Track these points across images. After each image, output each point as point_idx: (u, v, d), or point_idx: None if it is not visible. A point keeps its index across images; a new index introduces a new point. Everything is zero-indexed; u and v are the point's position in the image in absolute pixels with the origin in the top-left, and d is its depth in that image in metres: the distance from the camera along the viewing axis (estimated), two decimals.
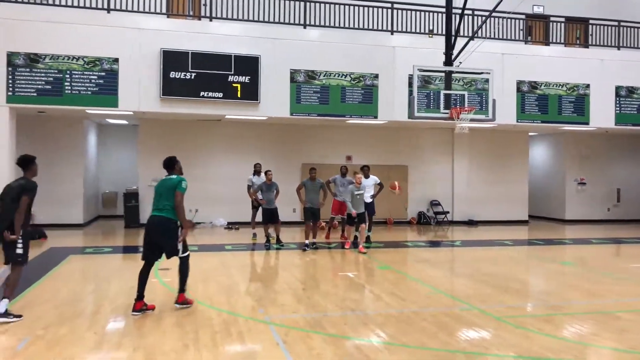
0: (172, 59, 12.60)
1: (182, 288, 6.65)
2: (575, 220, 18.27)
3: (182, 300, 6.64)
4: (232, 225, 15.12)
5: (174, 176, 6.74)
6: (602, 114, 15.64)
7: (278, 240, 11.95)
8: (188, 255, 6.73)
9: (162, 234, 6.49)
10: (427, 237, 14.72)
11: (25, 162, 6.57)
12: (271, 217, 11.89)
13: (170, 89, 12.63)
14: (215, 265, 9.69)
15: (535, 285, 8.93)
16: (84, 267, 9.67)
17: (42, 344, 5.18)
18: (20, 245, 6.16)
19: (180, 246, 6.55)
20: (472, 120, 12.07)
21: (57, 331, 5.59)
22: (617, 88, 15.73)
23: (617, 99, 15.76)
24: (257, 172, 12.85)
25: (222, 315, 6.31)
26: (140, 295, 6.36)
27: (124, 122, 16.40)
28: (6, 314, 5.96)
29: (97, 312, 6.49)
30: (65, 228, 14.16)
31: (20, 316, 6.05)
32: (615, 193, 19.03)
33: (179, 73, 12.65)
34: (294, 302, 7.05)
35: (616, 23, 16.11)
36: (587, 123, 15.67)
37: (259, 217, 12.30)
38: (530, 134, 18.64)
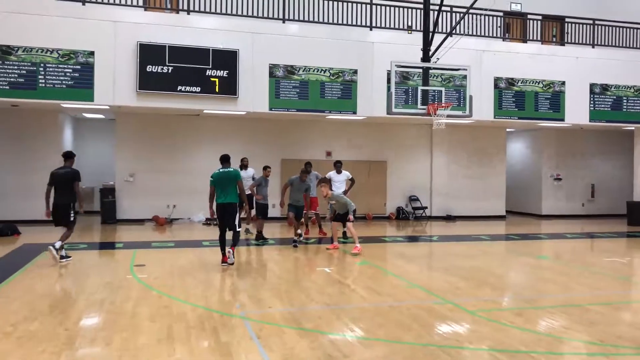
0: (149, 53, 12.45)
1: (232, 244, 9.00)
2: (551, 215, 18.58)
3: (224, 261, 8.90)
4: (210, 221, 15.03)
5: (231, 169, 9.06)
6: (577, 110, 15.91)
7: (261, 236, 11.89)
8: (239, 230, 9.20)
9: (229, 215, 8.92)
10: (406, 232, 14.82)
11: (70, 155, 9.26)
12: (265, 213, 11.93)
13: (147, 83, 12.49)
14: (192, 260, 9.62)
15: (510, 279, 9.06)
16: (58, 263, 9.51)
17: (11, 341, 5.09)
18: (72, 213, 9.09)
19: (237, 222, 9.02)
20: (449, 116, 12.18)
21: (28, 327, 5.50)
22: (592, 85, 16.00)
23: (592, 95, 16.04)
24: (244, 166, 12.83)
25: (197, 310, 6.27)
26: (223, 253, 8.91)
27: (101, 116, 16.17)
28: (67, 258, 9.03)
29: (71, 307, 6.41)
30: (39, 224, 13.87)
31: (70, 257, 9.10)
32: (590, 188, 19.38)
33: (156, 67, 12.51)
34: (271, 297, 7.04)
35: (591, 21, 16.37)
36: (562, 119, 15.91)
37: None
38: (507, 130, 18.88)
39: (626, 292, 8.03)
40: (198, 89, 12.81)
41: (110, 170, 15.82)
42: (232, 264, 8.97)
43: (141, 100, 12.64)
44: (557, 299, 7.21)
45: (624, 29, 16.62)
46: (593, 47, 16.32)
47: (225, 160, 9.17)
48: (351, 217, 10.50)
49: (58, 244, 8.87)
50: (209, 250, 10.88)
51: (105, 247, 11.58)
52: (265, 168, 12.10)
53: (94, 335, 5.34)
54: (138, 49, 12.37)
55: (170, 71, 12.61)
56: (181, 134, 15.75)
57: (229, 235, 9.18)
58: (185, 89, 12.73)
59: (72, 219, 9.08)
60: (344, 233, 12.02)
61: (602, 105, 16.14)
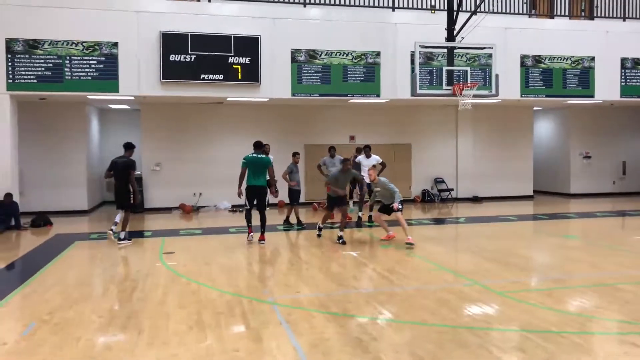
0: (171, 42, 12.52)
1: (262, 231, 9.81)
2: (581, 194, 18.21)
3: (262, 239, 9.75)
4: (236, 208, 15.16)
5: (263, 156, 9.94)
6: (607, 86, 15.47)
7: (299, 222, 11.97)
8: (266, 210, 10.07)
9: (260, 195, 9.83)
10: (431, 214, 14.72)
11: (128, 146, 10.19)
12: (297, 198, 11.98)
13: (170, 72, 12.58)
14: (219, 247, 9.74)
15: (538, 260, 8.93)
16: (89, 252, 9.74)
17: (48, 329, 5.24)
18: (130, 197, 9.87)
19: (266, 203, 10.04)
20: (475, 96, 11.96)
21: (63, 315, 5.66)
22: (623, 60, 15.52)
23: (623, 70, 15.56)
24: (265, 153, 12.79)
25: (225, 296, 6.35)
26: (249, 226, 9.91)
27: (126, 107, 16.37)
28: (125, 238, 9.87)
29: (104, 295, 6.56)
30: (70, 215, 14.25)
31: (130, 239, 10.00)
32: (621, 166, 18.91)
33: (179, 56, 12.58)
34: (298, 282, 7.09)
35: None
36: (592, 96, 15.50)
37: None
38: (534, 108, 18.48)
39: None
40: (221, 77, 12.85)
41: (137, 160, 15.97)
42: (263, 243, 9.83)
43: (165, 89, 12.75)
44: (587, 279, 7.08)
45: None
46: (624, 20, 15.79)
47: (258, 146, 10.03)
48: (396, 205, 9.55)
49: (123, 234, 9.92)
50: (235, 237, 11.01)
51: (134, 236, 11.74)
52: (295, 154, 12.15)
53: (125, 322, 5.46)
54: (160, 38, 12.45)
55: (193, 60, 12.66)
56: (205, 123, 15.85)
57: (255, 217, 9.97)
58: (208, 77, 12.78)
59: (129, 202, 9.94)
60: (370, 217, 11.99)
61: (635, 80, 15.65)
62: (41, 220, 12.56)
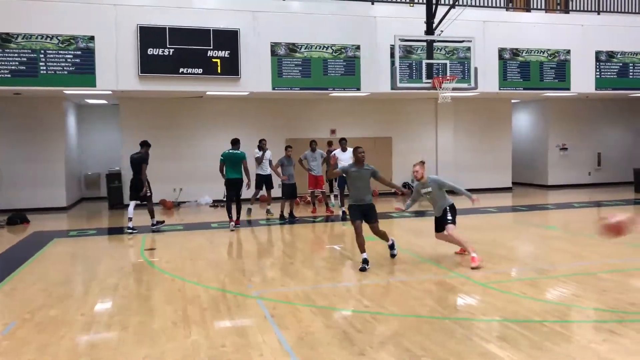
0: (149, 35, 12.35)
1: (238, 217, 10.97)
2: (558, 186, 18.52)
3: (237, 223, 10.87)
4: (217, 204, 15.06)
5: (238, 151, 10.96)
6: (583, 79, 15.73)
7: (292, 215, 12.10)
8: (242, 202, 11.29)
9: (238, 187, 10.91)
10: (413, 207, 14.78)
11: (143, 144, 11.36)
12: (292, 193, 12.13)
13: (148, 66, 12.41)
14: (202, 243, 9.68)
15: (520, 251, 9.07)
16: (69, 249, 9.60)
17: (30, 327, 5.16)
18: (145, 188, 10.85)
19: (242, 192, 11.11)
20: (454, 89, 12.08)
21: (46, 314, 5.57)
22: (597, 53, 15.79)
23: (597, 63, 15.84)
24: (261, 147, 12.79)
25: (210, 292, 6.33)
26: (230, 217, 10.87)
27: (104, 101, 16.11)
28: (158, 223, 11.06)
29: (86, 293, 6.48)
30: (48, 212, 14.01)
31: (163, 222, 11.38)
32: (596, 157, 19.28)
33: (157, 49, 12.42)
34: (282, 276, 7.10)
35: None
36: (568, 89, 15.75)
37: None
38: (513, 101, 18.71)
39: (637, 259, 8.03)
40: (200, 71, 12.73)
41: (116, 156, 15.82)
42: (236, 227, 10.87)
43: (143, 84, 12.58)
44: (568, 269, 7.23)
45: None
46: (598, 13, 16.05)
47: (234, 143, 11.08)
48: (449, 219, 7.55)
49: (153, 221, 10.99)
50: (217, 232, 10.95)
51: (115, 232, 11.65)
52: (287, 148, 12.24)
53: (110, 320, 5.40)
54: (138, 31, 12.27)
55: (171, 53, 12.51)
56: (185, 117, 15.69)
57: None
58: (187, 70, 12.64)
59: (147, 194, 10.92)
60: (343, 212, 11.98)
61: (608, 73, 15.95)
62: (18, 217, 12.32)
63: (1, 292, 6.53)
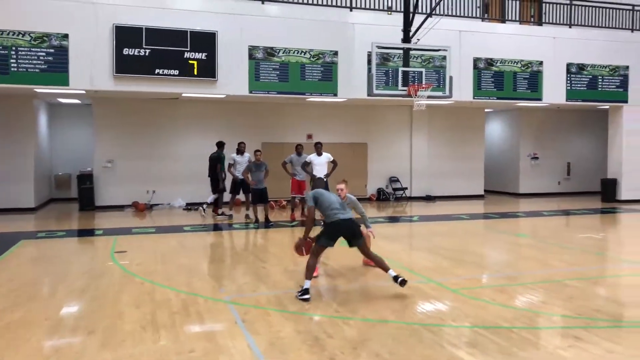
0: (125, 35, 12.18)
1: (206, 202, 13.19)
2: (529, 194, 18.86)
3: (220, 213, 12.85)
4: (190, 206, 14.92)
5: (211, 154, 12.92)
6: (554, 90, 16.08)
7: (267, 220, 12.05)
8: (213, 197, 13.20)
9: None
10: (386, 213, 14.92)
11: (219, 144, 13.27)
12: (260, 198, 12.11)
13: (123, 66, 12.24)
14: (174, 246, 9.57)
15: (491, 258, 9.20)
16: (37, 251, 9.39)
17: None
18: (216, 185, 13.04)
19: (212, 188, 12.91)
20: (429, 97, 12.21)
21: (10, 317, 5.43)
22: (569, 65, 16.17)
23: (568, 75, 16.21)
24: (240, 151, 12.79)
25: (180, 295, 6.25)
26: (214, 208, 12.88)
27: (77, 101, 15.82)
28: (222, 214, 13.03)
29: (53, 296, 6.34)
30: (16, 212, 13.68)
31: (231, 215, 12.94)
32: (566, 167, 19.71)
33: (133, 49, 12.26)
34: (255, 281, 7.06)
35: (568, 1, 16.47)
36: (540, 99, 16.07)
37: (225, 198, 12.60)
38: (486, 110, 19.01)
39: (602, 267, 8.23)
40: (176, 72, 12.60)
41: (88, 157, 15.55)
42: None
43: (118, 84, 12.40)
44: (537, 276, 7.36)
45: (601, 9, 16.76)
46: (570, 27, 16.45)
47: (219, 145, 13.04)
48: (366, 231, 7.41)
49: (219, 211, 13.12)
50: (190, 235, 10.84)
51: (85, 235, 11.44)
52: (256, 152, 12.27)
53: (77, 323, 5.30)
54: (114, 31, 12.10)
55: (147, 54, 12.37)
56: (160, 119, 15.51)
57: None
58: (163, 72, 12.51)
59: (218, 187, 13.03)
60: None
61: (579, 85, 16.34)
62: None
63: None
